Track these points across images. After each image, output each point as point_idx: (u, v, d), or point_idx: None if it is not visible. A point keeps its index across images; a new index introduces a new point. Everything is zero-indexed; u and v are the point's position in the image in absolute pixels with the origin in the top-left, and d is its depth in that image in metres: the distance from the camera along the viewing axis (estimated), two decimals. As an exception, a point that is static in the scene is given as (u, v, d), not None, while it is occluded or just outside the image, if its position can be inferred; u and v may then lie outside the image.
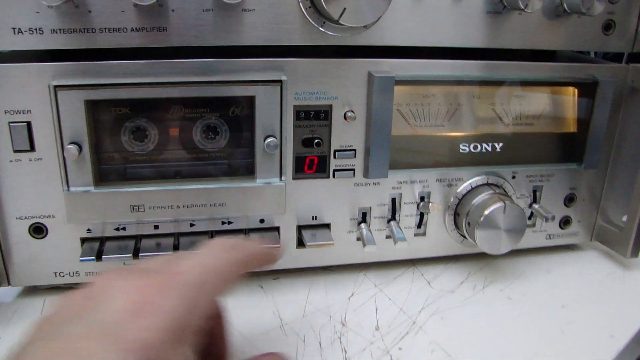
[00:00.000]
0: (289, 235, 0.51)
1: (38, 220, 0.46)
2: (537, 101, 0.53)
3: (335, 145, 0.49)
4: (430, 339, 0.46)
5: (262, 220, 0.50)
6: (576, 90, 0.53)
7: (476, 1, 0.47)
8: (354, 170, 0.49)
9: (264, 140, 0.46)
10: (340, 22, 0.43)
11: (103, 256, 0.47)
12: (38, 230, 0.47)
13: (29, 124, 0.44)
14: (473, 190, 0.52)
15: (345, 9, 0.42)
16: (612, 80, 0.52)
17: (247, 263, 0.35)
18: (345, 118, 0.48)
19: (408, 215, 0.52)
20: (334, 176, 0.49)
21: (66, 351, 0.26)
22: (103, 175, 0.47)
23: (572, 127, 0.54)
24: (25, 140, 0.44)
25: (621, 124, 0.55)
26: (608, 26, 0.51)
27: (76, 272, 0.49)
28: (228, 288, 0.33)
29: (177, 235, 0.49)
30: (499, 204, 0.50)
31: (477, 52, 0.50)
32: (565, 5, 0.48)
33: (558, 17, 0.50)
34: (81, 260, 0.46)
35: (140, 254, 0.47)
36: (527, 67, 0.51)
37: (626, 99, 0.54)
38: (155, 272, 0.31)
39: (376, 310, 0.49)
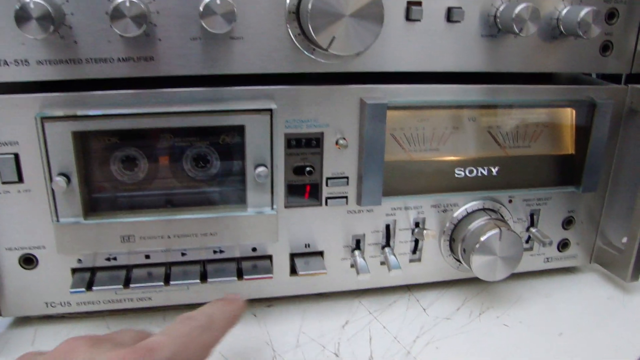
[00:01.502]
0: (281, 263, 0.50)
1: (28, 251, 0.46)
2: (534, 123, 0.52)
3: (327, 172, 0.48)
4: (425, 370, 0.45)
5: (254, 249, 0.49)
6: (574, 112, 0.52)
7: (471, 25, 0.47)
8: (346, 197, 0.49)
9: (255, 170, 0.45)
10: (329, 50, 0.42)
11: (94, 287, 0.46)
12: (28, 261, 0.47)
13: (16, 155, 0.43)
14: (469, 216, 0.51)
15: (334, 37, 0.41)
16: (611, 102, 0.51)
17: (214, 337, 0.36)
18: (337, 145, 0.47)
19: (403, 241, 0.52)
20: (326, 204, 0.49)
21: None
22: (93, 205, 0.46)
23: (570, 150, 0.53)
24: (13, 171, 0.44)
25: (620, 145, 0.54)
26: (606, 47, 0.50)
27: (67, 302, 0.48)
28: None
29: (169, 265, 0.48)
30: (494, 231, 0.49)
31: (473, 76, 0.49)
32: (562, 28, 0.47)
33: (555, 39, 0.49)
34: (72, 292, 0.46)
35: (131, 285, 0.47)
36: (523, 90, 0.50)
37: (625, 120, 0.53)
38: (126, 345, 0.32)
39: (370, 339, 0.48)
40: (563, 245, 0.56)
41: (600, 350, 0.48)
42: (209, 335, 0.36)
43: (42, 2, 0.38)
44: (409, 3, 0.45)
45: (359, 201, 0.49)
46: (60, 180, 0.43)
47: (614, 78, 0.55)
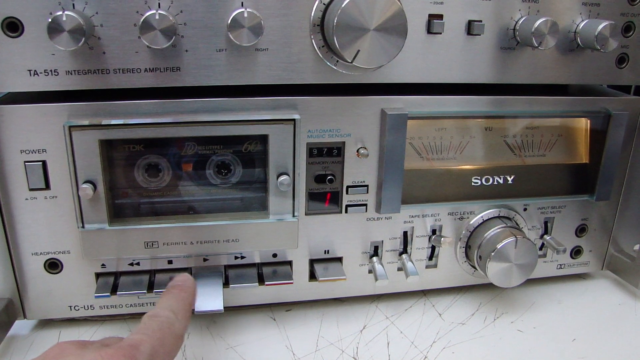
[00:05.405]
0: (301, 268, 0.51)
1: (53, 256, 0.47)
2: (549, 133, 0.53)
3: (347, 181, 0.49)
4: (442, 375, 0.46)
5: (274, 255, 0.50)
6: (588, 122, 0.53)
7: (490, 38, 0.47)
8: (366, 205, 0.50)
9: (277, 178, 0.46)
10: (354, 63, 0.43)
11: (118, 292, 0.47)
12: (53, 266, 0.47)
13: (44, 163, 0.44)
14: (485, 223, 0.52)
15: (359, 51, 0.42)
16: (626, 113, 0.52)
17: (182, 325, 0.39)
18: (357, 154, 0.48)
19: (420, 248, 0.53)
20: (346, 211, 0.50)
21: None
22: (117, 212, 0.47)
23: (584, 159, 0.54)
24: (41, 178, 0.45)
25: (633, 154, 0.55)
26: (622, 60, 0.51)
27: (91, 306, 0.49)
28: (177, 351, 0.38)
29: (191, 270, 0.49)
30: (510, 239, 0.50)
31: (490, 87, 0.50)
32: (579, 41, 0.48)
33: (571, 51, 0.49)
34: (96, 297, 0.47)
35: (154, 290, 0.48)
36: (538, 101, 0.51)
37: (638, 130, 0.54)
38: (108, 346, 0.35)
39: (388, 344, 0.49)
40: (576, 252, 0.57)
41: (613, 356, 0.49)
42: (177, 326, 0.39)
43: (74, 15, 0.38)
44: (430, 16, 0.46)
45: (378, 209, 0.50)
46: (87, 188, 0.44)
47: (622, 87, 0.56)
